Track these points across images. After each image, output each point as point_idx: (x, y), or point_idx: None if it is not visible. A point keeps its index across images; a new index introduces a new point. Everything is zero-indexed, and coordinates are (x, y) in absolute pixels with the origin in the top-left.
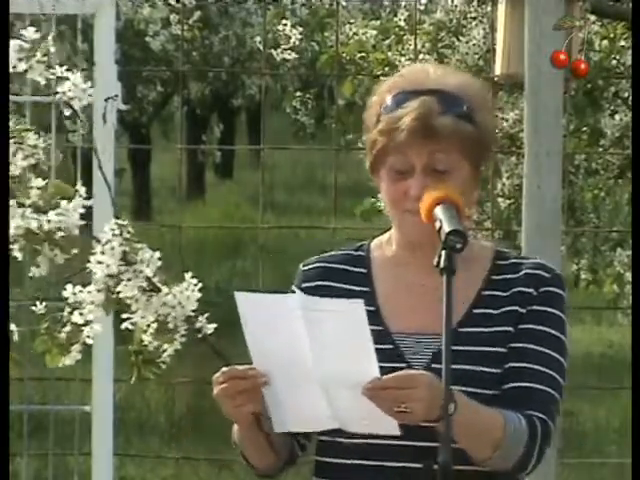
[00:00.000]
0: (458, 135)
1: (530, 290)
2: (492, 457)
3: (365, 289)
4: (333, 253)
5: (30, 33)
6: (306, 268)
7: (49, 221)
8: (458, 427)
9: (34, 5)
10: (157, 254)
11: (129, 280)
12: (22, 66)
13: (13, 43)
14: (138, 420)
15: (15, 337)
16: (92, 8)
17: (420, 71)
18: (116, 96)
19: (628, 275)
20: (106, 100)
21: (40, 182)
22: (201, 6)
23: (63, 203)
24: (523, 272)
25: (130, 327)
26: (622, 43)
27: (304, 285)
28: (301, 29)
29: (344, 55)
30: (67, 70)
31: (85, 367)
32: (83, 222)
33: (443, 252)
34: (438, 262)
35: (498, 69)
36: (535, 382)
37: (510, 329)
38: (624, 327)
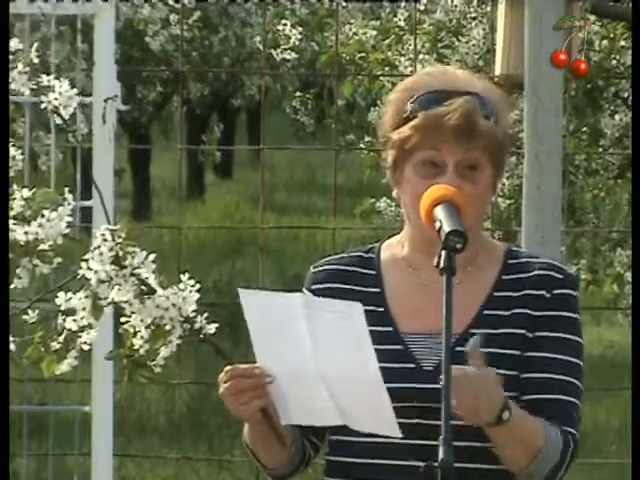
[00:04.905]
0: (491, 137)
1: (542, 292)
2: (529, 466)
3: (375, 290)
4: (343, 255)
5: (14, 44)
6: (316, 270)
7: (26, 233)
8: (509, 434)
9: (34, 5)
10: (151, 257)
11: (119, 285)
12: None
13: None
14: (138, 420)
15: (12, 347)
16: (92, 8)
17: (446, 71)
18: (116, 96)
19: (628, 275)
20: (105, 100)
21: (26, 192)
22: (201, 6)
23: (46, 213)
24: (534, 273)
25: (121, 331)
26: (622, 43)
27: (314, 287)
28: (301, 29)
29: (344, 55)
30: (55, 79)
31: (85, 368)
32: (68, 230)
33: (443, 252)
34: (438, 262)
35: (498, 69)
36: (560, 393)
37: (522, 331)
38: (624, 327)
